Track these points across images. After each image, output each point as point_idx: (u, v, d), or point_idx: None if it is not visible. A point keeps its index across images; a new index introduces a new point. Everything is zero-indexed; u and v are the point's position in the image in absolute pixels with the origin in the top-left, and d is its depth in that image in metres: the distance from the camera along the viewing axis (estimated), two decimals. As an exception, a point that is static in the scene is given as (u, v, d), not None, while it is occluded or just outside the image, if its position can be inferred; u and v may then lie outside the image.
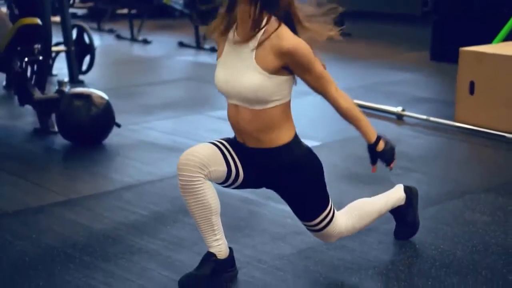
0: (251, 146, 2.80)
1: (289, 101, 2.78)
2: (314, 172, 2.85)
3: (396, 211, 3.28)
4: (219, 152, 2.79)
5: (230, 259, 2.91)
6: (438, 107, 5.87)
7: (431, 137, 5.10)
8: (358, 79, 7.08)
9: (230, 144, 2.85)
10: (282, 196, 2.94)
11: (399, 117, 5.52)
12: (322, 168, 2.88)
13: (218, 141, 2.83)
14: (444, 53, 7.55)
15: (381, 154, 2.90)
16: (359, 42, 9.26)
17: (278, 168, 2.81)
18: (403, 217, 3.30)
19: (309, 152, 2.86)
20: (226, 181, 2.83)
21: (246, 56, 2.68)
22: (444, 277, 2.99)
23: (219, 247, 2.86)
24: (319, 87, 2.77)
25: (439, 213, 3.70)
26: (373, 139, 2.88)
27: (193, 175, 2.71)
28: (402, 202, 3.27)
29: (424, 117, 5.42)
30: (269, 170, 2.83)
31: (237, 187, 2.89)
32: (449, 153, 4.84)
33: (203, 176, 2.72)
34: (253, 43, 2.66)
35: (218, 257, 2.85)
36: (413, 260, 3.14)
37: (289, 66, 2.68)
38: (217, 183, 2.84)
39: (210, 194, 2.77)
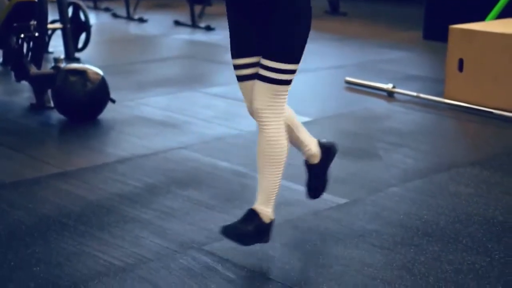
0: None
1: None
2: (306, 10, 2.85)
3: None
4: (251, 83, 2.89)
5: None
6: (428, 85, 5.96)
7: (420, 114, 5.20)
8: (352, 57, 7.16)
9: (243, 45, 2.91)
10: (268, 29, 2.86)
11: (389, 94, 5.61)
12: (310, 16, 2.90)
13: (243, 66, 2.89)
14: (437, 32, 7.63)
15: None
16: (354, 22, 9.32)
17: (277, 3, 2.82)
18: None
19: None
20: None
21: None
22: (426, 245, 3.10)
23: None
24: None
25: (425, 185, 3.80)
26: None
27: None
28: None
29: (414, 94, 5.52)
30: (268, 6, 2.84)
31: None
32: (438, 129, 4.94)
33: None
34: None
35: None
36: (397, 230, 3.25)
37: None
38: None
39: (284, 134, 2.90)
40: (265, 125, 2.85)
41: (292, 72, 2.85)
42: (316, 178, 3.32)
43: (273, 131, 2.85)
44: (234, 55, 2.94)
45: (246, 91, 2.94)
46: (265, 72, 2.84)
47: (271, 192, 2.92)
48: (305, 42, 2.90)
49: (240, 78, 2.94)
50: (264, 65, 2.84)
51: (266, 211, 2.91)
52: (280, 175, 2.91)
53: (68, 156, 4.24)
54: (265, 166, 2.89)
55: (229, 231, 2.89)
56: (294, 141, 3.20)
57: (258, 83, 2.86)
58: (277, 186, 2.92)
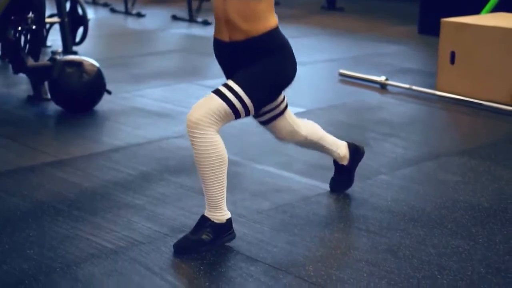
0: (237, 39, 2.92)
1: None
2: (284, 61, 2.96)
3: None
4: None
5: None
6: (421, 77, 6.03)
7: (412, 105, 5.27)
8: (347, 51, 7.22)
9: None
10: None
11: (382, 86, 5.68)
12: (291, 67, 2.99)
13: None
14: (431, 26, 7.67)
15: None
16: (351, 16, 9.39)
17: (260, 53, 2.91)
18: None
19: (288, 47, 2.98)
20: None
21: None
22: (412, 229, 3.17)
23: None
24: None
25: (413, 173, 3.87)
26: None
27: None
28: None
29: (407, 86, 5.59)
30: (251, 56, 2.92)
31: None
32: (428, 120, 5.01)
33: None
34: None
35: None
36: (384, 215, 3.31)
37: None
38: None
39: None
40: (195, 138, 2.86)
41: (245, 106, 2.88)
42: (344, 177, 3.55)
43: (203, 145, 2.85)
44: None
45: None
46: (223, 88, 2.89)
47: (214, 198, 2.94)
48: (270, 92, 2.97)
49: None
50: (227, 84, 2.90)
51: (215, 215, 2.94)
52: (219, 181, 2.90)
53: (63, 145, 4.31)
54: (202, 175, 2.90)
55: (182, 243, 2.93)
56: (323, 151, 3.44)
57: (209, 95, 2.89)
58: (219, 192, 2.92)
